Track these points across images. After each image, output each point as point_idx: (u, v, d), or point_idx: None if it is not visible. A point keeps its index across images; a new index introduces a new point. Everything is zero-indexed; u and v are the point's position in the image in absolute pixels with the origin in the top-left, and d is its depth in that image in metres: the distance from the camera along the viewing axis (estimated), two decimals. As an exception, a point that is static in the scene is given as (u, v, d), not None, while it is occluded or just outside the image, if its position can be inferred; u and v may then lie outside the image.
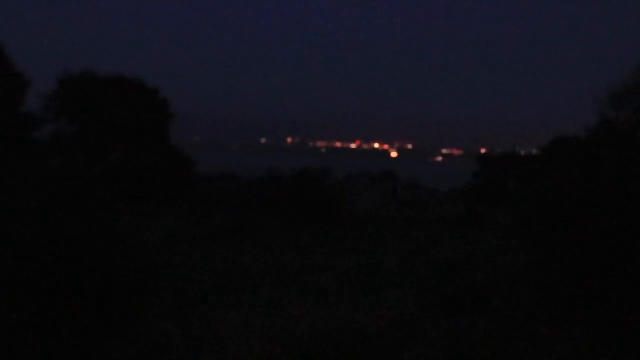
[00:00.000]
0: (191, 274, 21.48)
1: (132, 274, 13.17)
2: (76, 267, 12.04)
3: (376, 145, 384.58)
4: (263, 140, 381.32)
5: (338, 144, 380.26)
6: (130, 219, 31.40)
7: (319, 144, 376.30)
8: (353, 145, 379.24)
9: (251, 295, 18.54)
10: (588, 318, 14.72)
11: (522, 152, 57.65)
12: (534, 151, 52.54)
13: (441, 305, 17.13)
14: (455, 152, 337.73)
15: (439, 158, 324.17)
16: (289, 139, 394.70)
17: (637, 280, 14.26)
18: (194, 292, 18.71)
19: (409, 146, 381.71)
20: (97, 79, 41.15)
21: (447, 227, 35.15)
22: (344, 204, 39.29)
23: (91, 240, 12.70)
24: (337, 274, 21.96)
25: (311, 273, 22.13)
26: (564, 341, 13.71)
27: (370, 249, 27.25)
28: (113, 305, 12.60)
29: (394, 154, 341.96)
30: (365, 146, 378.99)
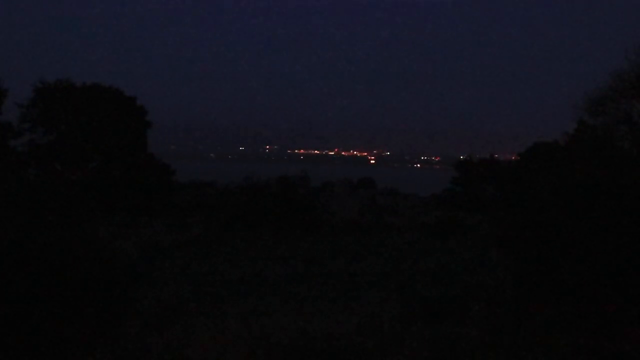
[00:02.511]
0: (171, 283, 21.34)
1: (109, 283, 13.08)
2: (52, 278, 11.93)
3: (355, 152, 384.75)
4: (242, 149, 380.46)
5: (317, 152, 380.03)
6: (109, 228, 31.22)
7: (298, 151, 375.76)
8: (332, 153, 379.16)
9: (231, 304, 18.44)
10: (567, 325, 14.76)
11: (501, 158, 57.87)
12: (513, 157, 52.84)
13: (422, 312, 17.10)
14: (434, 158, 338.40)
15: (418, 165, 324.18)
16: (268, 147, 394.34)
17: (617, 287, 14.33)
18: (174, 301, 18.58)
19: (388, 153, 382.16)
20: (74, 88, 40.95)
21: (426, 234, 35.17)
22: (323, 211, 39.22)
23: (67, 251, 12.60)
24: (318, 282, 21.90)
25: (291, 281, 22.06)
26: (544, 348, 13.73)
27: (350, 257, 27.20)
28: (91, 314, 12.50)
29: (372, 161, 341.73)
30: (343, 153, 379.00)
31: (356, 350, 13.97)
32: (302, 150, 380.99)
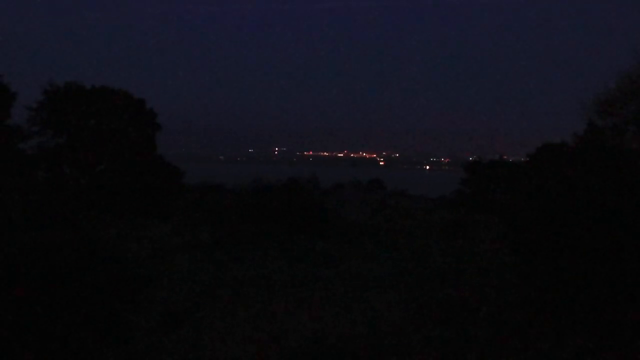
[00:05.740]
0: (180, 285, 21.34)
1: (119, 286, 13.10)
2: (62, 279, 11.96)
3: (364, 154, 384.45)
4: (251, 151, 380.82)
5: (325, 154, 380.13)
6: (118, 230, 31.25)
7: (306, 153, 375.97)
8: (340, 155, 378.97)
9: (241, 306, 18.44)
10: (577, 323, 14.71)
11: (511, 160, 57.61)
12: (522, 158, 52.58)
13: (432, 313, 17.09)
14: (443, 160, 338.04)
15: (427, 166, 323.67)
16: (277, 150, 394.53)
17: (625, 286, 14.28)
18: (183, 303, 18.59)
19: (397, 155, 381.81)
20: (83, 90, 40.96)
21: (436, 235, 35.10)
22: (333, 213, 39.15)
23: (78, 253, 12.62)
24: (327, 283, 21.88)
25: (301, 282, 22.04)
26: (553, 346, 13.69)
27: (360, 258, 27.17)
28: (101, 316, 12.52)
29: (381, 163, 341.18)
30: (352, 155, 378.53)
31: (367, 351, 13.95)
32: (310, 152, 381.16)
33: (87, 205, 35.00)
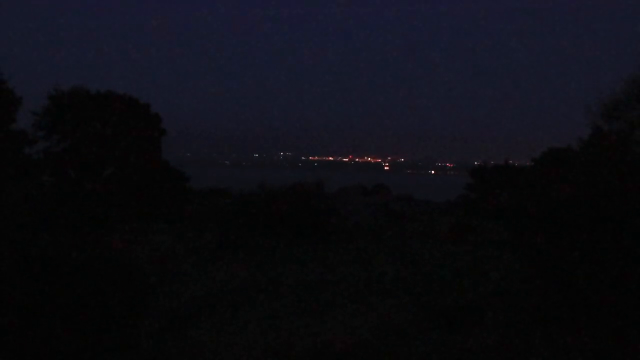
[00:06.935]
0: (186, 290, 21.35)
1: (125, 291, 13.11)
2: (68, 284, 11.97)
3: (369, 159, 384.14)
4: (256, 156, 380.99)
5: (330, 159, 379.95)
6: (124, 235, 31.28)
7: (312, 158, 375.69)
8: (345, 160, 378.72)
9: (246, 311, 18.44)
10: (581, 327, 14.69)
11: (516, 164, 57.46)
12: (527, 163, 52.43)
13: (436, 318, 17.06)
14: (449, 165, 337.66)
15: (432, 171, 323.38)
16: (282, 154, 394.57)
17: (631, 292, 14.25)
18: (188, 308, 18.60)
19: (402, 160, 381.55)
20: (89, 95, 41.04)
21: (440, 240, 35.05)
22: (338, 218, 39.11)
23: (83, 257, 12.64)
24: (332, 288, 21.86)
25: (305, 288, 22.03)
26: (558, 351, 13.67)
27: (364, 263, 27.14)
28: (106, 322, 12.53)
29: (386, 168, 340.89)
30: (357, 160, 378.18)
31: (371, 357, 13.94)
32: (315, 157, 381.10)
33: (92, 210, 35.02)
